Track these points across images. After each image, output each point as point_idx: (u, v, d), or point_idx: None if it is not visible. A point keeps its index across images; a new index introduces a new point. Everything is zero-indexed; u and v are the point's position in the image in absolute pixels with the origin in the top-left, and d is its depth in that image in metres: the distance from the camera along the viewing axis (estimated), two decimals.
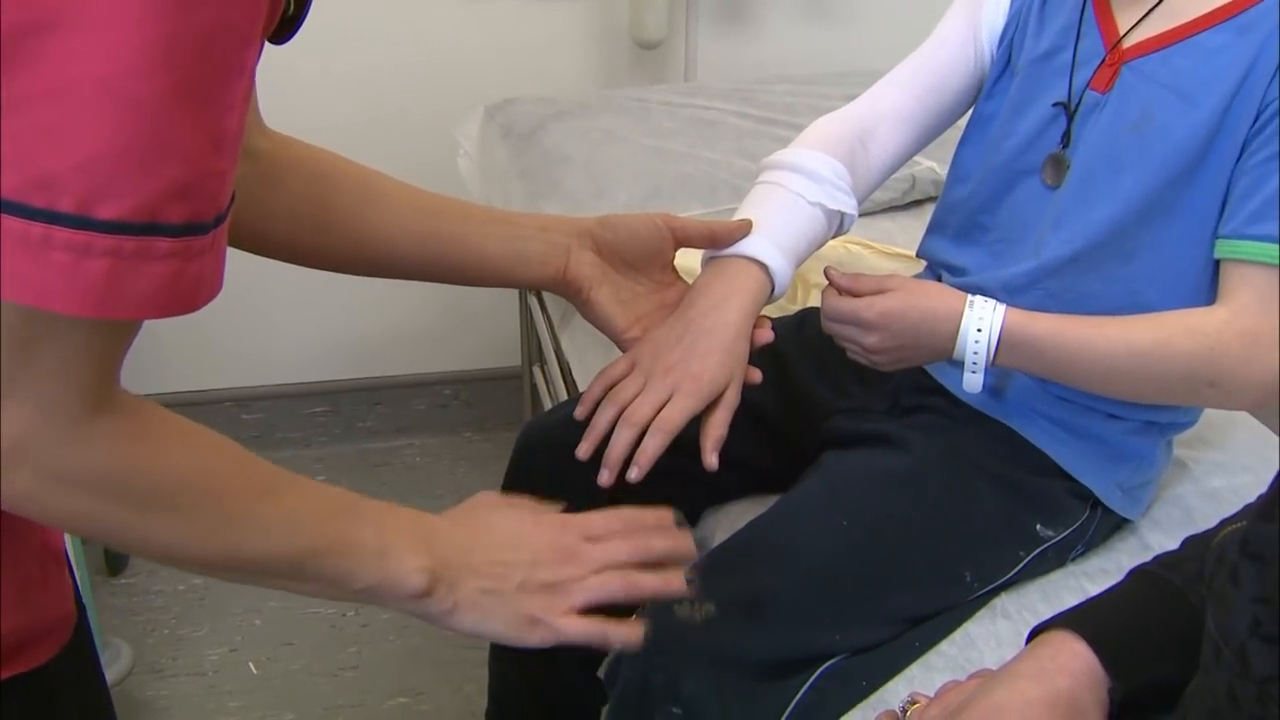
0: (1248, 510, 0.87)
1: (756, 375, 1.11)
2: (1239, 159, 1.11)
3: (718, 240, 1.15)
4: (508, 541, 0.88)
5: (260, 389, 2.60)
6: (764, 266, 1.14)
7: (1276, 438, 1.44)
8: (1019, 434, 1.23)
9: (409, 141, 2.29)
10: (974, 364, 1.15)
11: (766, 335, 1.13)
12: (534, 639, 0.87)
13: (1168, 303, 1.16)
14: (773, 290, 1.16)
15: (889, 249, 1.67)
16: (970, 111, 1.34)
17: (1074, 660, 0.79)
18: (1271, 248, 1.08)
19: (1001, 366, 1.16)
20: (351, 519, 0.80)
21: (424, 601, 0.83)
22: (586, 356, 1.74)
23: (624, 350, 1.13)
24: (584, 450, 1.07)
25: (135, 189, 0.56)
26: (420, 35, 2.33)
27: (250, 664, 2.11)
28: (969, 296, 1.16)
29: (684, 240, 1.14)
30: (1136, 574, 0.87)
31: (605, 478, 1.05)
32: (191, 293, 0.61)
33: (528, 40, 2.38)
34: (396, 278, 1.10)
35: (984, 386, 1.17)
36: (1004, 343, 1.13)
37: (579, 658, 1.47)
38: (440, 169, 2.19)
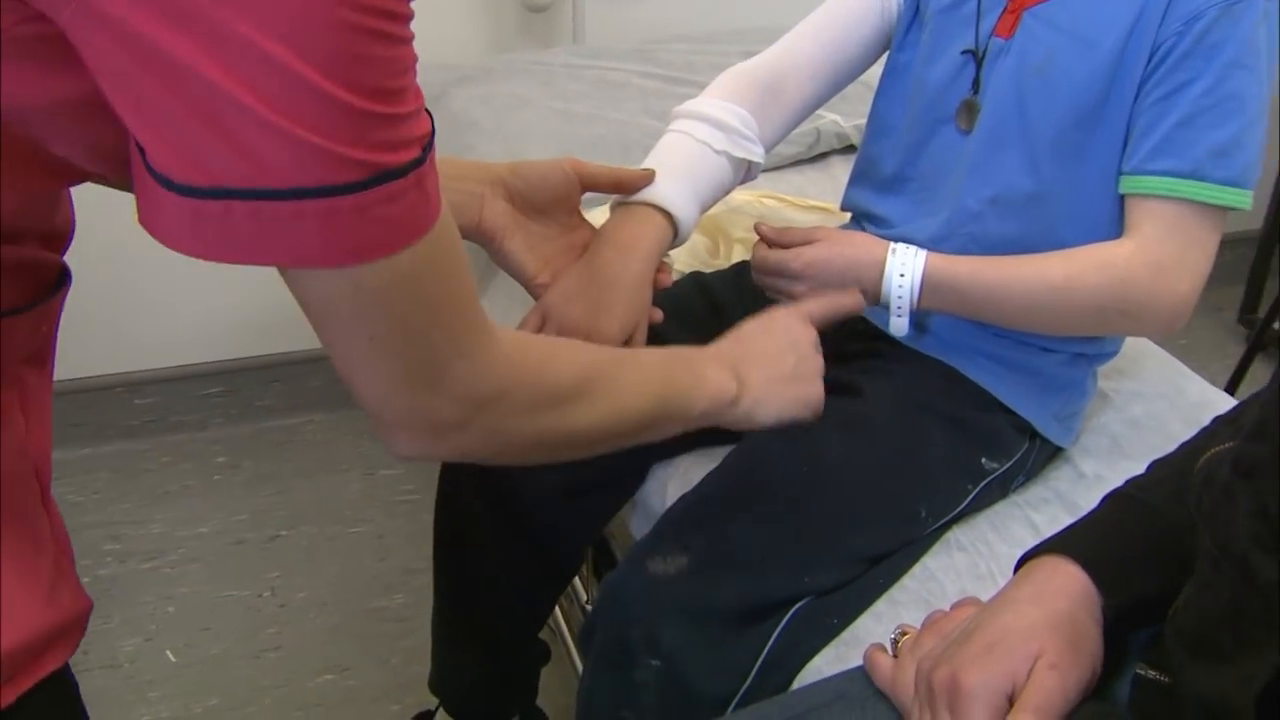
0: (1206, 434, 0.93)
1: (658, 315, 1.19)
2: (1136, 98, 1.17)
3: (624, 186, 1.20)
4: (771, 342, 1.08)
5: (152, 373, 2.52)
6: (667, 214, 1.19)
7: (1183, 365, 1.52)
8: (960, 372, 1.28)
9: None
10: (899, 308, 1.21)
11: (666, 280, 1.21)
12: (809, 414, 1.09)
13: (1083, 240, 1.21)
14: (675, 235, 1.21)
15: (806, 202, 1.71)
16: (885, 63, 1.38)
17: (1069, 582, 0.84)
18: (1170, 181, 1.14)
19: (927, 309, 1.22)
20: (673, 365, 0.99)
21: (738, 404, 1.02)
22: (509, 321, 1.72)
23: (534, 295, 1.19)
24: None
25: (357, 155, 0.59)
26: None
27: (168, 652, 2.06)
28: (891, 244, 1.21)
29: (590, 185, 1.19)
30: (1112, 497, 0.91)
31: None
32: (422, 217, 0.65)
33: (415, 6, 2.33)
34: None
35: (914, 327, 1.24)
36: (926, 286, 1.19)
37: (518, 619, 1.49)
38: None
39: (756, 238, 1.32)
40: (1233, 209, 1.15)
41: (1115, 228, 1.22)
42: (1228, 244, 3.50)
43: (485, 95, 1.99)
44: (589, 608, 1.59)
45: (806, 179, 1.91)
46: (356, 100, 0.58)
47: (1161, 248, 1.15)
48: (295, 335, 2.61)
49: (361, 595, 2.17)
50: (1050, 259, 1.19)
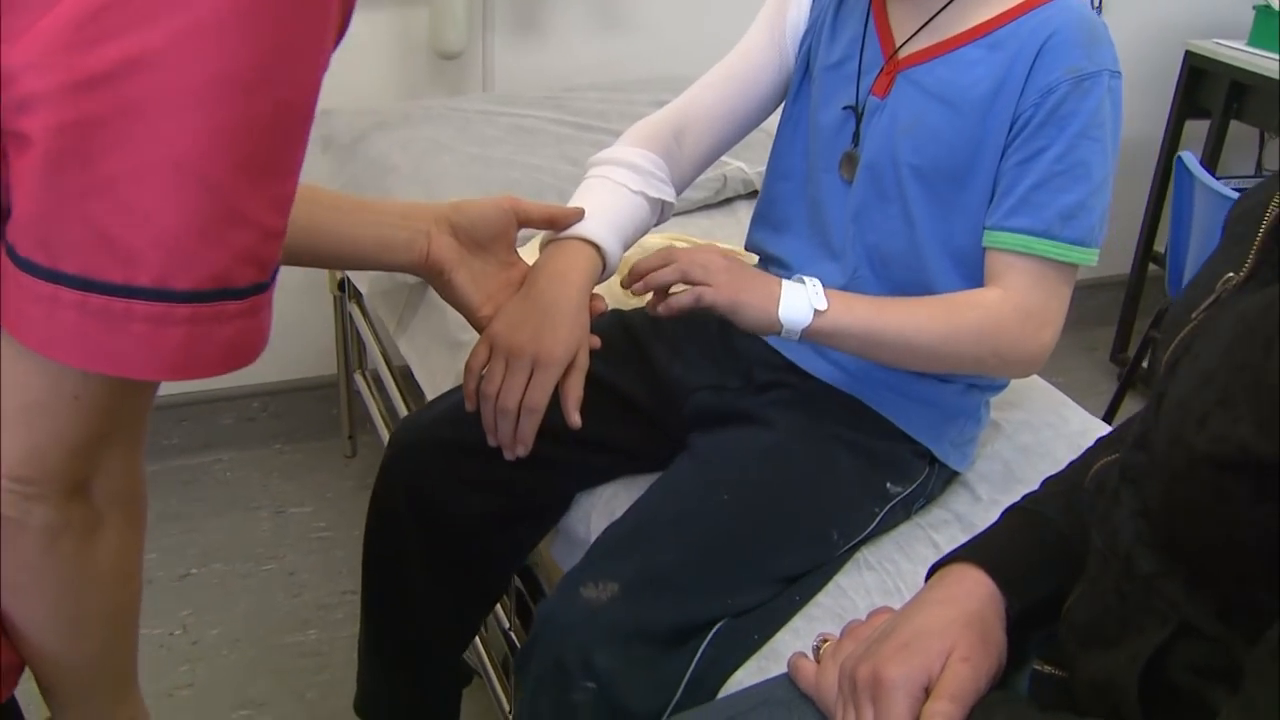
0: (1091, 451, 1.03)
1: (596, 341, 1.26)
2: (1001, 160, 1.27)
3: (556, 223, 1.30)
4: None
5: None
6: (597, 246, 1.29)
7: (1066, 397, 1.64)
8: (865, 403, 1.37)
9: None
10: (790, 324, 1.23)
11: (601, 305, 1.29)
12: None
13: (953, 289, 1.31)
14: (604, 267, 1.30)
15: (712, 245, 1.79)
16: (781, 112, 1.48)
17: (976, 586, 0.93)
18: (1025, 238, 1.25)
19: (816, 340, 1.27)
20: None
21: None
22: (428, 358, 1.79)
23: (477, 327, 1.26)
24: (491, 441, 1.23)
25: (209, 260, 0.60)
26: None
27: None
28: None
29: (526, 221, 1.28)
30: (1011, 511, 1.01)
31: (507, 456, 1.22)
32: (252, 345, 0.65)
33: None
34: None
35: (820, 357, 1.35)
36: (816, 314, 1.25)
37: (445, 642, 1.54)
38: None
39: None
40: (1080, 265, 1.26)
41: (981, 282, 1.31)
42: (1100, 288, 3.70)
43: (403, 140, 2.04)
44: (511, 633, 1.64)
45: (714, 223, 2.01)
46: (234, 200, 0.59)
47: (1026, 296, 1.26)
48: None
49: (275, 631, 2.19)
50: (928, 301, 1.29)
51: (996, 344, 1.26)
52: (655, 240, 1.81)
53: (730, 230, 1.95)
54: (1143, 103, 3.16)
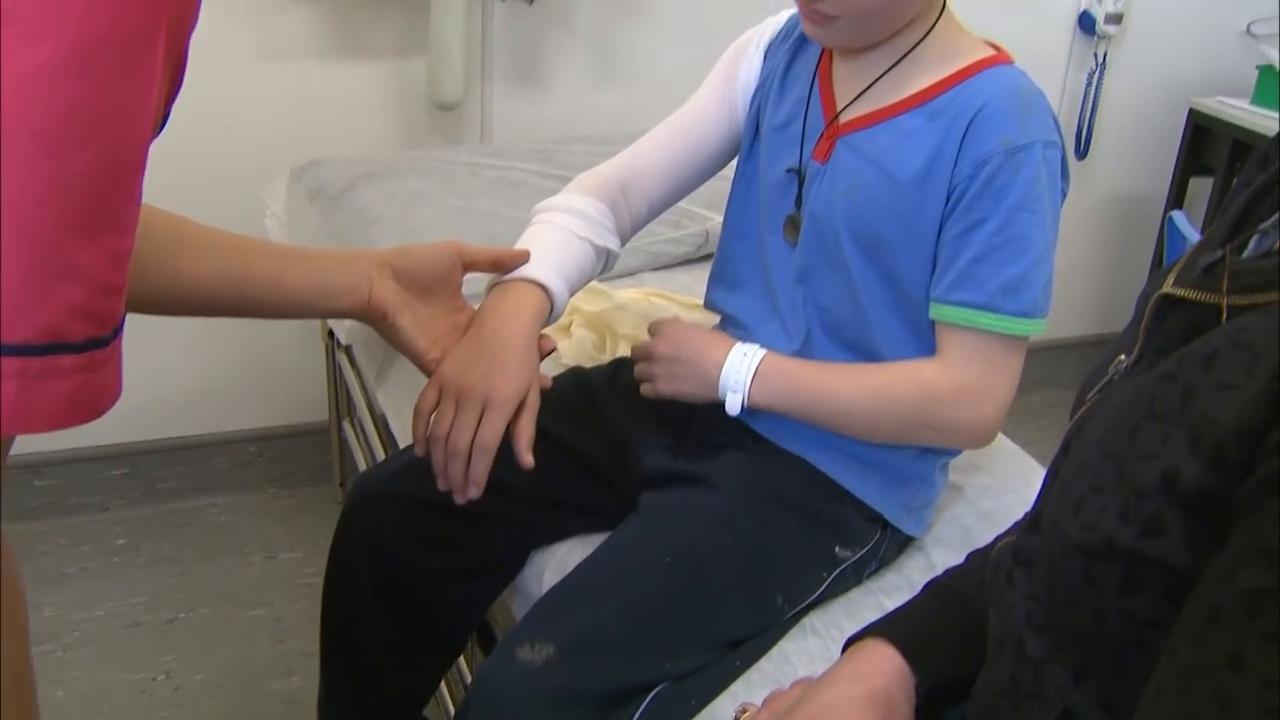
0: (1016, 526, 1.03)
1: (547, 381, 1.26)
2: (940, 231, 1.26)
3: (501, 265, 1.30)
4: None
5: (53, 454, 2.54)
6: (544, 288, 1.29)
7: (1033, 460, 1.62)
8: (815, 466, 1.36)
9: (213, 204, 2.28)
10: (733, 392, 1.32)
11: (549, 345, 1.29)
12: None
13: (901, 355, 1.31)
14: (551, 309, 1.30)
15: (693, 300, 1.80)
16: (735, 168, 1.48)
17: (886, 663, 0.92)
18: (967, 312, 1.24)
19: (761, 406, 1.31)
20: None
21: None
22: (404, 411, 1.80)
23: (426, 370, 1.26)
24: (441, 485, 1.22)
25: (38, 314, 0.59)
26: (220, 98, 2.34)
27: None
28: (734, 343, 1.33)
29: (471, 265, 1.28)
30: (930, 586, 1.00)
31: (459, 499, 1.20)
32: (96, 400, 0.63)
33: (328, 102, 2.43)
34: (211, 316, 1.19)
35: (786, 426, 1.34)
36: (758, 377, 1.30)
37: (405, 696, 1.53)
38: (247, 228, 2.20)
39: (641, 334, 1.40)
40: (1029, 335, 1.26)
41: (929, 346, 1.31)
42: (1072, 348, 3.69)
43: (390, 191, 2.06)
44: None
45: (694, 277, 2.01)
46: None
47: (964, 371, 1.26)
48: (199, 418, 2.64)
49: (258, 678, 2.19)
50: (868, 369, 1.30)
51: (929, 419, 1.27)
52: (631, 295, 1.82)
53: None
54: (1148, 159, 3.16)
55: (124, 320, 0.66)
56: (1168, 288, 0.74)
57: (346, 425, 2.45)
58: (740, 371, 1.29)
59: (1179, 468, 0.63)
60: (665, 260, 2.02)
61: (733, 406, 1.30)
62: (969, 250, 1.23)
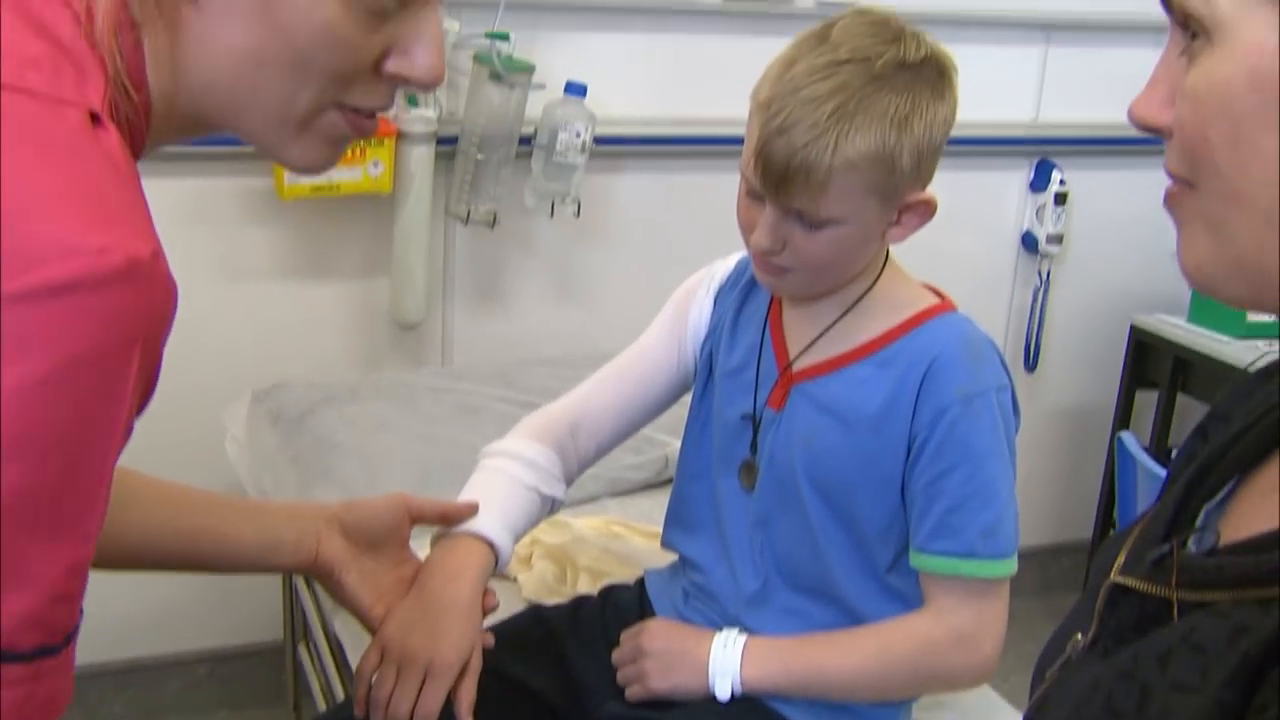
0: None
1: (489, 639, 1.27)
2: (905, 481, 1.28)
3: (449, 519, 1.31)
4: None
5: None
6: (490, 543, 1.30)
7: (1000, 700, 1.61)
8: (777, 711, 1.35)
9: (173, 427, 2.29)
10: (722, 677, 1.33)
11: (492, 601, 1.30)
12: None
13: (873, 607, 1.32)
14: (497, 562, 1.32)
15: (653, 529, 1.80)
16: (688, 408, 1.49)
17: None
18: (950, 560, 1.26)
19: (757, 688, 1.32)
20: None
21: None
22: (361, 640, 1.76)
23: (369, 627, 1.26)
24: None
25: None
26: (182, 318, 2.28)
27: None
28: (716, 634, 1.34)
29: (419, 518, 1.30)
30: None
31: None
32: (43, 709, 0.63)
33: (290, 322, 2.46)
34: (156, 570, 1.20)
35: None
36: (750, 664, 1.31)
37: None
38: (207, 452, 2.21)
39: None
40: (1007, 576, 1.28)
41: (897, 597, 1.32)
42: (1065, 553, 3.68)
43: (350, 416, 2.08)
44: None
45: (655, 503, 2.01)
46: None
47: (958, 617, 1.28)
48: (150, 640, 2.58)
49: None
50: (858, 634, 1.31)
51: (935, 670, 1.30)
52: (591, 525, 1.82)
53: None
54: (1094, 372, 3.24)
55: (79, 625, 0.66)
56: (1117, 576, 0.76)
57: (301, 649, 2.40)
58: (730, 665, 1.31)
59: None
60: (625, 486, 2.03)
61: (723, 692, 1.31)
62: (942, 500, 1.25)
